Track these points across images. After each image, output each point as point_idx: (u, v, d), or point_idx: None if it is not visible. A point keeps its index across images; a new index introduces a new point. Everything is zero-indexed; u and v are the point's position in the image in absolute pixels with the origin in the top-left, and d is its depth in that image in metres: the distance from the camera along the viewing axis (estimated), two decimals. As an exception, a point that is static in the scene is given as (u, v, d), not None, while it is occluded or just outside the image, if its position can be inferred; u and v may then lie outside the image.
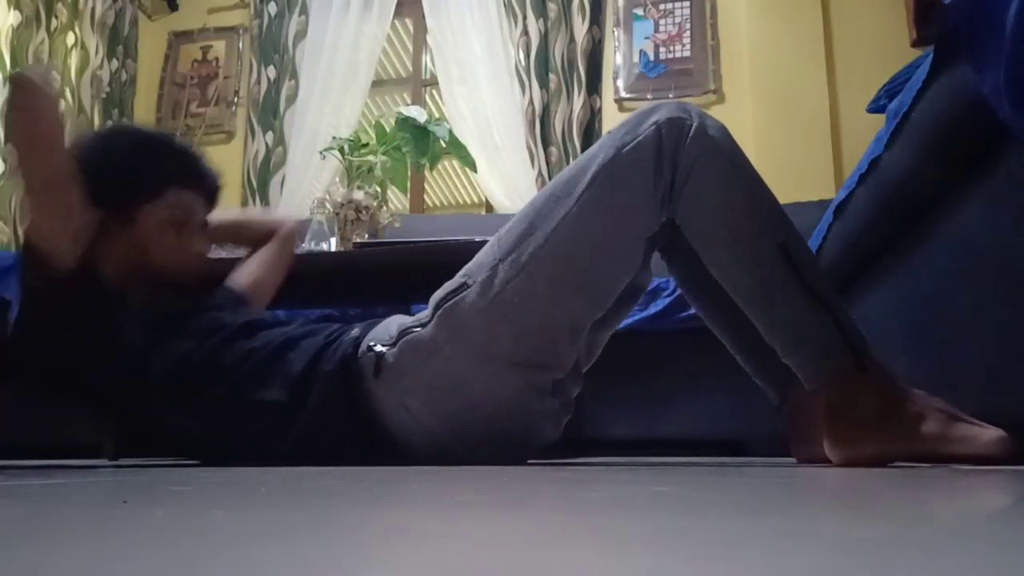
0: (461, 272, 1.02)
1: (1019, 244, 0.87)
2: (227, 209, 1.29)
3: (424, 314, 1.02)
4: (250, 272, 1.33)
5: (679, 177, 0.94)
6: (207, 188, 1.21)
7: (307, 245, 2.08)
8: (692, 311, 1.83)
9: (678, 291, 1.81)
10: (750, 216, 0.94)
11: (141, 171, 1.14)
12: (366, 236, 1.98)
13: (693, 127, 0.94)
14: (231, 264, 1.33)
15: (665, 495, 0.48)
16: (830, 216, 1.35)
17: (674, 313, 1.83)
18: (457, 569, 0.21)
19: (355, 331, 1.06)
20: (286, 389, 1.01)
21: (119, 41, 3.33)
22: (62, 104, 1.03)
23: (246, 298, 1.27)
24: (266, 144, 3.28)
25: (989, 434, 0.85)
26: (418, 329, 1.00)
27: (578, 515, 0.36)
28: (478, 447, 1.00)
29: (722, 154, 0.94)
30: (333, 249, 2.03)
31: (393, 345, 1.00)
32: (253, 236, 1.36)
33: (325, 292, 1.98)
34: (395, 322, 1.05)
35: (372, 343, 1.02)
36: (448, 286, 1.01)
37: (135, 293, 1.09)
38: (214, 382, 1.03)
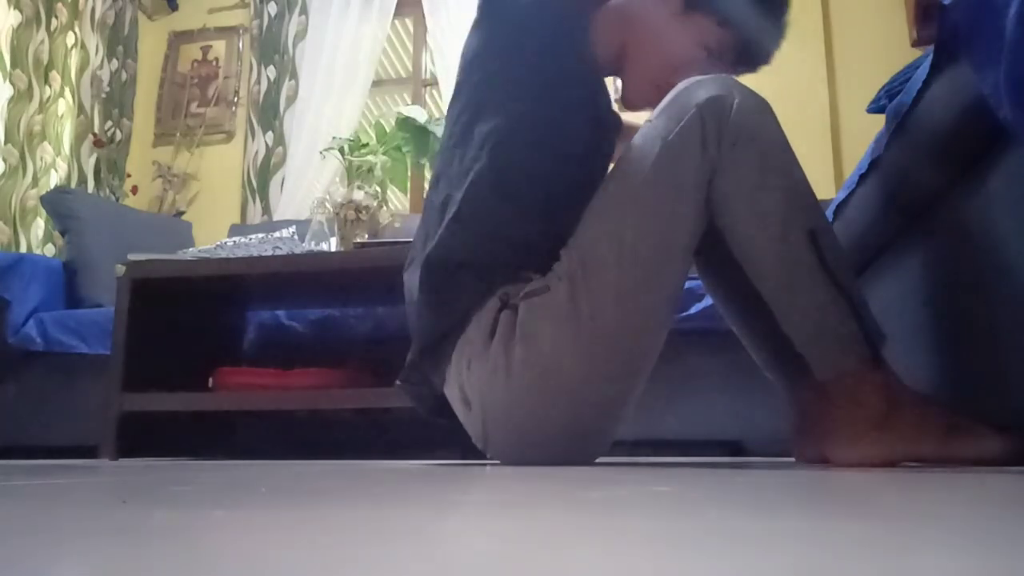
0: (547, 276, 0.97)
1: (1019, 244, 0.87)
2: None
3: (514, 302, 0.97)
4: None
5: (723, 153, 0.92)
6: (752, 62, 1.15)
7: (307, 245, 2.08)
8: (693, 311, 1.84)
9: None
10: (783, 199, 0.92)
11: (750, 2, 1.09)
12: (366, 236, 1.98)
13: (735, 105, 0.92)
14: None
15: (665, 495, 0.48)
16: (830, 216, 1.35)
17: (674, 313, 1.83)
18: (457, 569, 0.21)
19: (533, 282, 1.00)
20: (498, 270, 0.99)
21: (119, 41, 3.34)
22: None
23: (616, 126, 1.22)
24: (266, 144, 3.28)
25: (990, 438, 0.85)
26: (508, 313, 0.96)
27: (578, 515, 0.36)
28: (489, 448, 1.00)
29: (762, 134, 0.92)
30: (333, 249, 2.04)
31: (499, 312, 0.97)
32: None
33: (325, 292, 1.98)
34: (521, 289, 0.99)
35: (506, 295, 0.97)
36: (535, 284, 0.97)
37: (613, 73, 1.07)
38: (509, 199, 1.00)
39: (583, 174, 1.04)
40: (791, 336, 0.93)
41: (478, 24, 1.07)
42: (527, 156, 1.01)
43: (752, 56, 1.12)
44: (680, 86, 0.96)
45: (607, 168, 1.10)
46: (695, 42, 1.08)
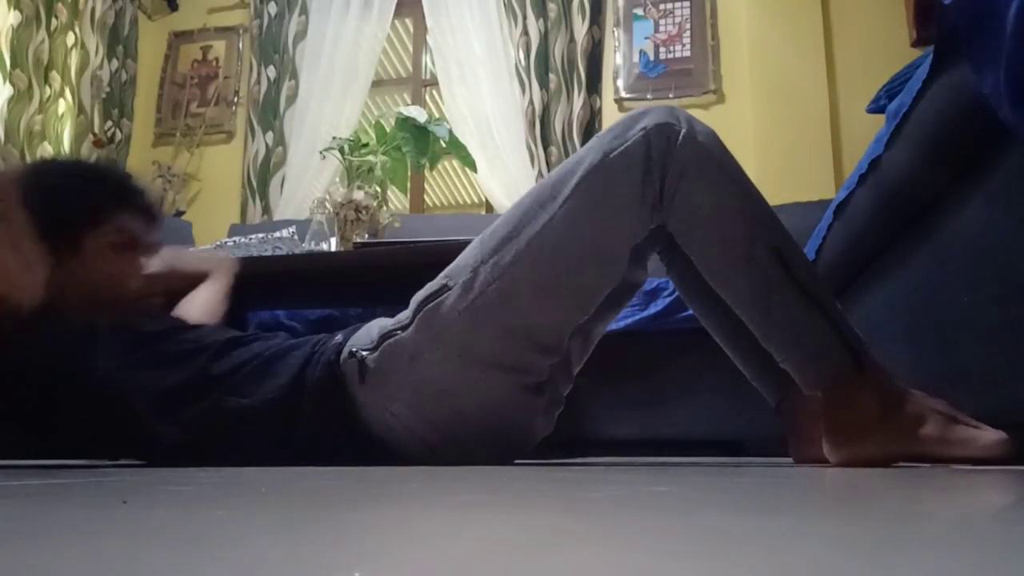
0: (443, 273, 1.00)
1: (1019, 244, 0.87)
2: (161, 253, 1.23)
3: (404, 316, 1.00)
4: (194, 309, 1.31)
5: (669, 184, 0.92)
6: (145, 208, 1.18)
7: (307, 245, 2.08)
8: (691, 311, 1.84)
9: (678, 292, 1.81)
10: (743, 221, 0.93)
11: (75, 200, 1.11)
12: (366, 236, 1.98)
13: (682, 133, 0.92)
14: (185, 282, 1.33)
15: (665, 495, 0.48)
16: (830, 216, 1.35)
17: (674, 313, 1.83)
18: (457, 569, 0.21)
19: (338, 337, 1.05)
20: (276, 398, 1.00)
21: (119, 41, 3.33)
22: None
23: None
24: (266, 144, 3.28)
25: (988, 436, 0.85)
26: (399, 332, 0.99)
27: (578, 515, 0.36)
28: (468, 448, 1.00)
29: (712, 159, 0.93)
30: (333, 249, 2.04)
31: (375, 349, 0.99)
32: (188, 279, 1.33)
33: (325, 292, 1.98)
34: (376, 326, 1.03)
35: (354, 348, 1.00)
36: (429, 287, 1.00)
37: (101, 320, 1.06)
38: (204, 395, 1.01)
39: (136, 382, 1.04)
40: (771, 351, 0.94)
41: None
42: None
43: (149, 204, 1.18)
44: (631, 112, 0.99)
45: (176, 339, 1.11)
46: (108, 248, 1.11)
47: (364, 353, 0.99)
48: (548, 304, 0.96)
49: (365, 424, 1.00)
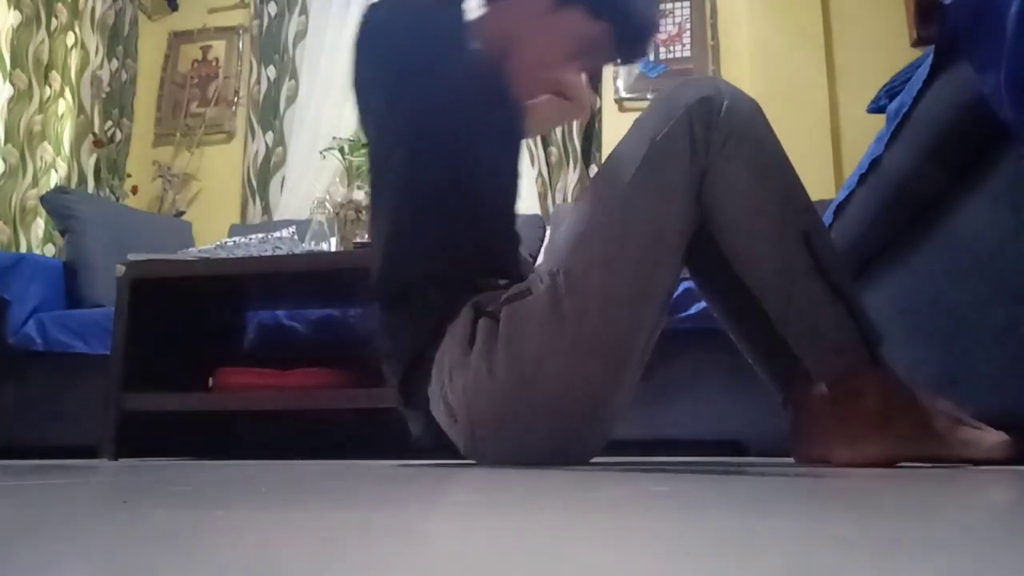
0: (529, 279, 0.98)
1: (1019, 244, 0.87)
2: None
3: (496, 308, 0.98)
4: (541, 103, 1.30)
5: (709, 158, 0.91)
6: (629, 54, 1.12)
7: (307, 245, 2.08)
8: (692, 311, 1.84)
9: (679, 291, 1.81)
10: (775, 201, 0.91)
11: None
12: (366, 236, 1.98)
13: (724, 106, 0.91)
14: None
15: (665, 495, 0.48)
16: (830, 216, 1.35)
17: (674, 313, 1.83)
18: (457, 569, 0.21)
19: (510, 290, 1.01)
20: (440, 272, 1.02)
21: (119, 41, 3.33)
22: None
23: (522, 114, 1.22)
24: (266, 144, 3.28)
25: (991, 437, 0.85)
26: (487, 321, 0.97)
27: (578, 515, 0.36)
28: (478, 455, 0.99)
29: (752, 135, 0.91)
30: (333, 249, 2.04)
31: (485, 318, 0.97)
32: (561, 90, 1.32)
33: (325, 292, 1.98)
34: (497, 296, 1.00)
35: (481, 304, 0.98)
36: (517, 287, 0.97)
37: (480, 52, 1.06)
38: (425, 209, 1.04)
39: (497, 177, 1.09)
40: (788, 338, 0.93)
41: (362, 57, 1.09)
42: (437, 175, 1.04)
43: (628, 48, 1.09)
44: (671, 86, 0.96)
45: (518, 163, 1.14)
46: (570, 36, 1.06)
47: (481, 318, 0.97)
48: (619, 311, 0.93)
49: (428, 368, 0.98)
